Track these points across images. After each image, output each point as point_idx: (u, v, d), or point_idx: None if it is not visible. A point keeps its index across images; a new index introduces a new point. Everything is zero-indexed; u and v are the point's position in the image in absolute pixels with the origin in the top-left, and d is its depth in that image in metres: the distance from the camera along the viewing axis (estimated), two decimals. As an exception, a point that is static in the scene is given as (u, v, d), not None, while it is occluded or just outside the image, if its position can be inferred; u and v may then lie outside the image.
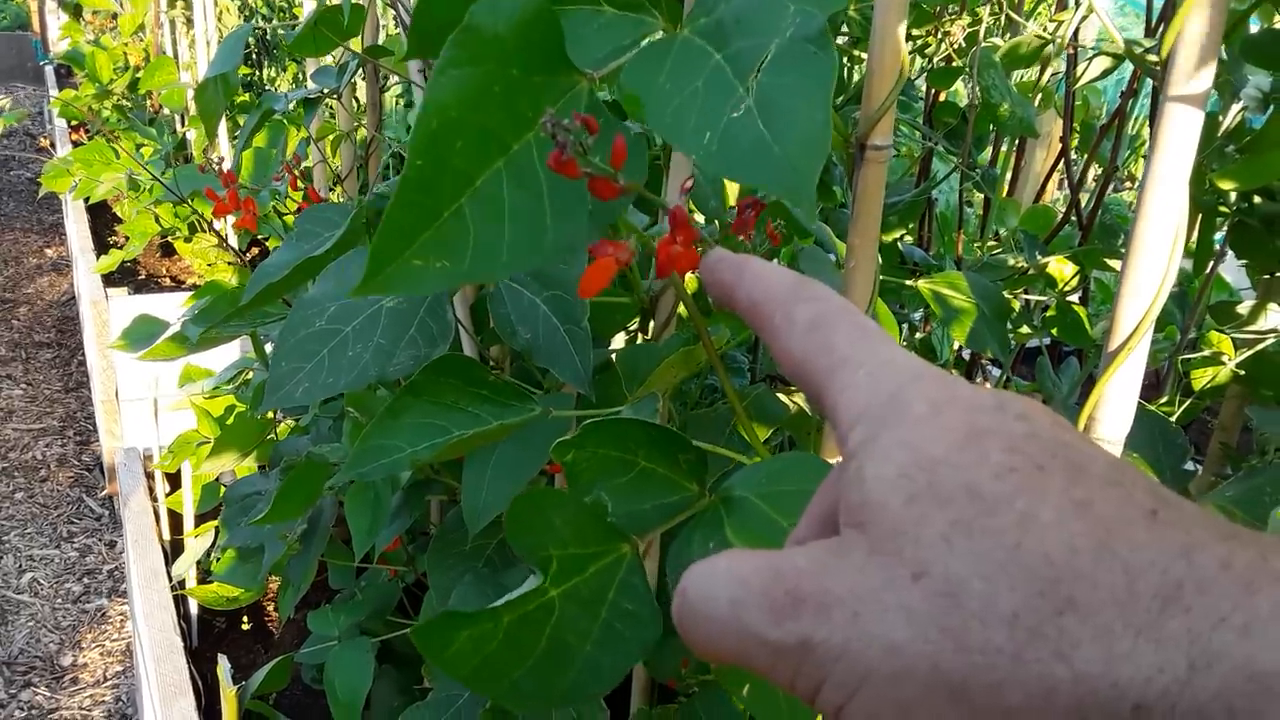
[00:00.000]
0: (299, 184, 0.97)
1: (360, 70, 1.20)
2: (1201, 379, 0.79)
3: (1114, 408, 0.44)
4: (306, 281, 0.75)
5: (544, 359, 0.67)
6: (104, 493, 2.70)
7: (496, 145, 0.42)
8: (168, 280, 3.03)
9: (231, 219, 1.07)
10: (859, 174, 0.53)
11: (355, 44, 1.14)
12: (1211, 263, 0.92)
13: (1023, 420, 0.23)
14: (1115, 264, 0.99)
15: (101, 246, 3.03)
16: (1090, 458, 0.22)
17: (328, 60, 1.40)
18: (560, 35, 0.44)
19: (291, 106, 1.14)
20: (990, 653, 0.20)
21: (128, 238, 2.77)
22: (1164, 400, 0.84)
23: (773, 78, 0.39)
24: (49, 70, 5.56)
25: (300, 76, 3.10)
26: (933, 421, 0.23)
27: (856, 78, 1.10)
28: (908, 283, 0.71)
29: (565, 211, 0.43)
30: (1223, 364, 0.77)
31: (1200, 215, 0.85)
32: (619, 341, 0.94)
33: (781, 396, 0.70)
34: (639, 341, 0.92)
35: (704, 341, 0.56)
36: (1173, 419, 0.84)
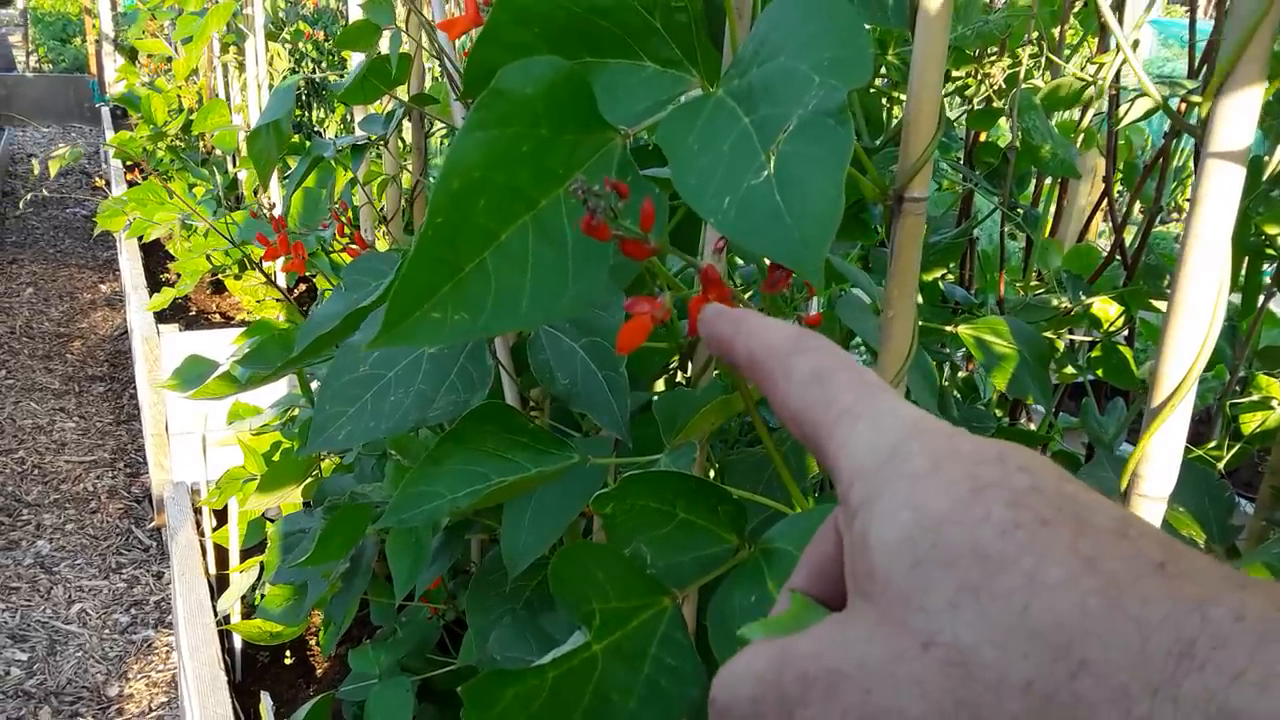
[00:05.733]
0: (345, 230, 1.00)
1: (406, 116, 1.23)
2: (1251, 423, 0.78)
3: (1158, 464, 0.43)
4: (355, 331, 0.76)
5: (582, 404, 0.68)
6: (152, 524, 2.75)
7: (524, 202, 0.43)
8: (217, 316, 3.10)
9: (280, 261, 1.10)
10: (896, 225, 0.53)
11: (401, 91, 1.17)
12: (1261, 301, 0.90)
13: (1025, 473, 0.22)
14: (1160, 305, 0.97)
15: (153, 283, 3.11)
16: (1095, 509, 0.22)
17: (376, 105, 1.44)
18: (590, 95, 0.45)
19: (339, 151, 1.17)
20: None
21: (179, 275, 2.84)
22: (1213, 444, 0.82)
23: (794, 148, 0.40)
24: (105, 111, 5.75)
25: (349, 118, 3.17)
26: (934, 478, 0.23)
27: (894, 118, 1.11)
28: (948, 328, 0.70)
29: (587, 266, 0.43)
30: (1272, 408, 0.76)
31: (1247, 256, 0.84)
32: (660, 384, 0.95)
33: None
34: (679, 382, 0.93)
35: (741, 389, 0.56)
36: (1222, 463, 0.82)
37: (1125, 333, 1.06)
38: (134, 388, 3.39)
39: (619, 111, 0.47)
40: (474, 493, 0.61)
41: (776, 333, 0.30)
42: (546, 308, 0.42)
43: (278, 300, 2.80)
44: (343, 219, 1.01)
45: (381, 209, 1.42)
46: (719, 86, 0.46)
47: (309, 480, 1.22)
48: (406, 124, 1.31)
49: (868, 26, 0.97)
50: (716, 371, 0.74)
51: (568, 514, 0.70)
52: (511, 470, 0.61)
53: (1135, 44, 0.98)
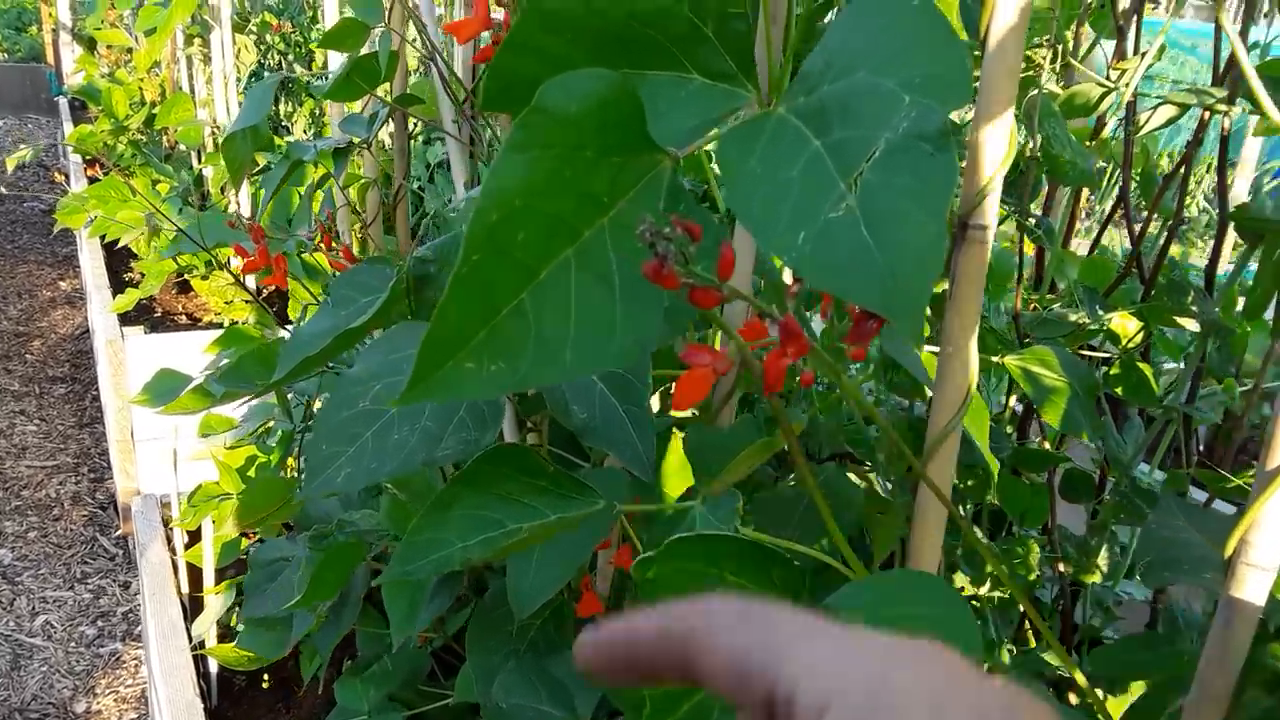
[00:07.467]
0: (333, 244, 0.94)
1: (389, 117, 1.17)
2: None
3: (1270, 534, 0.39)
4: (344, 352, 0.71)
5: (601, 441, 0.62)
6: (118, 532, 2.66)
7: (566, 233, 0.38)
8: (184, 317, 3.00)
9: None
10: (958, 253, 0.49)
11: (383, 90, 1.11)
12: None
13: None
14: (1184, 321, 0.94)
15: (116, 281, 3.01)
16: None
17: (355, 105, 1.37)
18: (640, 113, 0.40)
19: (319, 154, 1.10)
20: None
21: (143, 274, 2.75)
22: None
23: (881, 177, 0.35)
24: (63, 103, 5.58)
25: (319, 112, 3.08)
26: None
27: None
28: (995, 359, 0.66)
29: (637, 308, 0.38)
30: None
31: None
32: (655, 400, 0.90)
33: (853, 476, 0.66)
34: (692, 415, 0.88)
35: (782, 426, 0.51)
36: None
37: (1142, 349, 1.03)
38: (96, 389, 3.28)
39: (664, 130, 0.42)
40: (488, 540, 0.55)
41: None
42: (593, 356, 0.37)
43: (246, 301, 2.72)
44: (329, 230, 0.95)
45: (362, 214, 1.35)
46: (780, 104, 0.41)
47: (290, 503, 1.16)
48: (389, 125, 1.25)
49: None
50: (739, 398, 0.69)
51: (579, 556, 0.65)
52: (529, 516, 0.56)
53: (1162, 49, 0.94)
